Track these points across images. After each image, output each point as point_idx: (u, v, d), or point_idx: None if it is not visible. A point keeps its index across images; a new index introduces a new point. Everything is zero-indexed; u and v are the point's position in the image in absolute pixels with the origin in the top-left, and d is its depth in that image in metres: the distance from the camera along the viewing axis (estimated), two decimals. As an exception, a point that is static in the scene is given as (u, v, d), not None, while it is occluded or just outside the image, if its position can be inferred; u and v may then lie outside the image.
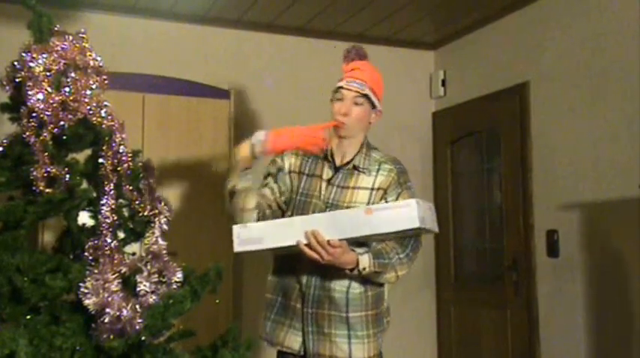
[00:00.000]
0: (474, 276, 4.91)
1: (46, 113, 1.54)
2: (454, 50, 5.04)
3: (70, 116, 1.60)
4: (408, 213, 2.17)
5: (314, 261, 2.25)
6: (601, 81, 3.74)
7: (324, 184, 2.49)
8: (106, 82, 1.65)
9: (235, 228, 2.34)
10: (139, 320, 1.56)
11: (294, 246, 2.26)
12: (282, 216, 2.54)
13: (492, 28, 4.61)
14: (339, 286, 2.42)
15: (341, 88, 2.47)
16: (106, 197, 1.61)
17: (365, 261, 2.31)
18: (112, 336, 1.54)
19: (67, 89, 1.59)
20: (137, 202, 1.73)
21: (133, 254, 1.71)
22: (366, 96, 2.46)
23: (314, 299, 2.44)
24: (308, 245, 2.23)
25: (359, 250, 2.32)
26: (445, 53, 5.14)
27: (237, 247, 2.33)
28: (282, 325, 2.50)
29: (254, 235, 2.31)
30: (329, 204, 2.45)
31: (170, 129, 4.43)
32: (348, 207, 2.41)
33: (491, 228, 4.67)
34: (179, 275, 1.65)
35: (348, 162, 2.51)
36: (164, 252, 1.66)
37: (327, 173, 2.51)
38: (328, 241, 2.21)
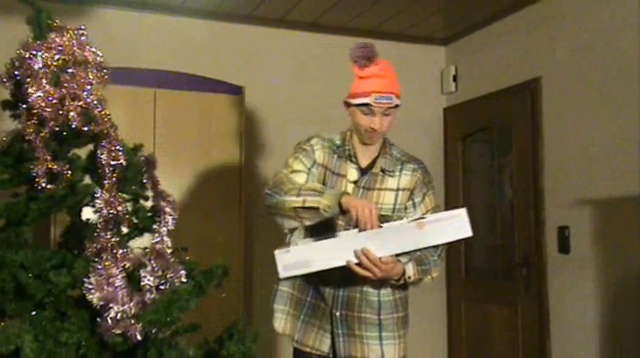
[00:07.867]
0: (485, 272, 4.89)
1: (46, 109, 1.55)
2: (466, 46, 5.01)
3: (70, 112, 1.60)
4: (460, 223, 2.18)
5: (366, 278, 2.23)
6: (613, 76, 3.70)
7: (350, 186, 2.46)
8: (105, 77, 1.64)
9: (277, 254, 2.28)
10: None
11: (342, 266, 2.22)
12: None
13: (504, 23, 4.58)
14: (371, 290, 2.43)
15: (369, 104, 2.39)
16: (104, 192, 1.61)
17: (410, 270, 2.31)
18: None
19: (66, 85, 1.59)
20: (140, 197, 1.73)
21: (145, 248, 1.71)
22: (395, 105, 2.44)
23: (343, 301, 2.43)
24: (359, 264, 2.20)
25: (403, 259, 2.30)
26: (457, 49, 5.12)
27: (283, 273, 2.28)
28: (313, 326, 2.48)
29: (299, 259, 2.26)
30: None
31: (181, 125, 4.44)
32: None
33: (502, 224, 4.64)
34: (183, 276, 1.64)
35: (373, 164, 2.49)
36: (168, 251, 1.66)
37: (353, 174, 2.48)
38: (380, 258, 2.18)
